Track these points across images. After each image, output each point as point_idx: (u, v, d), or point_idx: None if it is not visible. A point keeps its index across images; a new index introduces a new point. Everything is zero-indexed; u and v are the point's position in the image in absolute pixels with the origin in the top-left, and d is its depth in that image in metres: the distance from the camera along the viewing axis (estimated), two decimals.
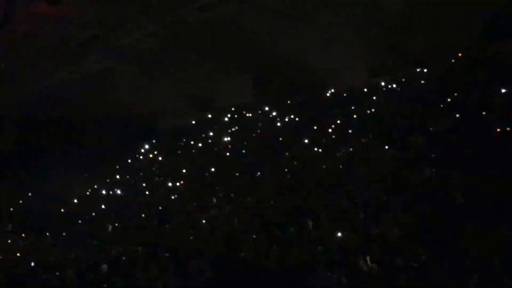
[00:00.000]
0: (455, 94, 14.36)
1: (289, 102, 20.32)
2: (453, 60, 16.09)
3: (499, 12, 16.14)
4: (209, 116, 22.35)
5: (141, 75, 21.54)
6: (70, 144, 23.23)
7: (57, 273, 12.83)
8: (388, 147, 13.58)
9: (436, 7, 16.94)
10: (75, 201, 19.44)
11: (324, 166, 14.31)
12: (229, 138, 19.72)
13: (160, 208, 16.42)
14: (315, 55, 18.68)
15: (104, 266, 12.31)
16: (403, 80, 17.35)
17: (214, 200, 15.22)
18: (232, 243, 11.86)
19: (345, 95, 18.72)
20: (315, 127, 17.34)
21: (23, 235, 17.41)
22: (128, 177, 20.20)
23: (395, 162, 12.56)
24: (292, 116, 19.17)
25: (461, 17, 16.30)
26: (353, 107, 17.24)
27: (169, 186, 17.90)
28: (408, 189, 11.27)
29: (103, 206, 18.16)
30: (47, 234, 17.15)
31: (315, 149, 15.99)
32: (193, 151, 20.43)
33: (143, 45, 19.88)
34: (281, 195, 13.52)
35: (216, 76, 21.41)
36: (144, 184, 19.02)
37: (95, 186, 20.13)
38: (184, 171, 18.68)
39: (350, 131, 15.86)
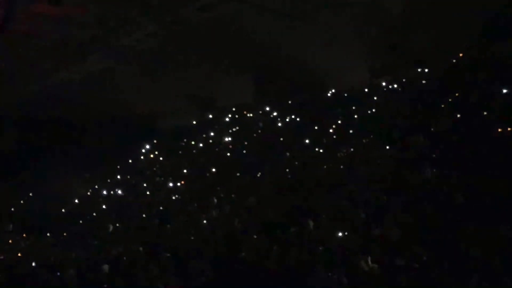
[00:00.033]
0: (456, 94, 14.35)
1: (290, 102, 20.32)
2: (454, 60, 16.06)
3: (499, 12, 16.13)
4: (210, 116, 22.36)
5: (141, 75, 21.52)
6: (71, 144, 23.24)
7: (58, 273, 12.86)
8: (389, 147, 13.59)
9: (436, 7, 16.93)
10: (76, 201, 19.49)
11: (324, 166, 14.32)
12: (229, 138, 19.72)
13: (160, 208, 16.45)
14: (316, 55, 18.66)
15: (106, 266, 12.34)
16: (403, 80, 17.35)
17: (215, 200, 15.24)
18: (233, 243, 11.88)
19: (345, 95, 18.71)
20: (315, 127, 17.35)
21: (24, 235, 17.45)
22: (129, 177, 20.23)
23: (395, 162, 12.57)
24: (293, 116, 19.17)
25: (461, 17, 16.29)
26: (354, 107, 17.24)
27: (170, 186, 17.92)
28: (409, 189, 11.28)
29: (103, 206, 18.20)
30: (48, 234, 17.19)
31: (316, 149, 16.00)
32: (194, 151, 20.45)
33: (144, 45, 19.85)
34: (282, 195, 13.54)
35: (217, 76, 21.40)
36: (145, 184, 19.05)
37: (96, 186, 20.16)
38: (185, 171, 18.70)
39: (351, 131, 15.87)
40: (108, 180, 20.34)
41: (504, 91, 13.16)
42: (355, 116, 16.79)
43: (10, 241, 17.02)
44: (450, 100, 14.37)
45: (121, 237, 14.82)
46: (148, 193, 18.27)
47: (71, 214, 18.40)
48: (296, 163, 15.60)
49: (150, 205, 16.87)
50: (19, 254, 15.22)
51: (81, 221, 17.58)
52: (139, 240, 13.92)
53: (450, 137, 12.57)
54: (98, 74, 21.83)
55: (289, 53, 19.23)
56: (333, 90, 19.41)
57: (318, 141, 16.37)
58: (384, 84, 17.82)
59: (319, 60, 18.61)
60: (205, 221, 13.91)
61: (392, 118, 15.01)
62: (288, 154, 16.56)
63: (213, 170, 17.83)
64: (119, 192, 18.89)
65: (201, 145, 20.48)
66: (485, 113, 12.81)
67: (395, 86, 17.34)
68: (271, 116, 20.09)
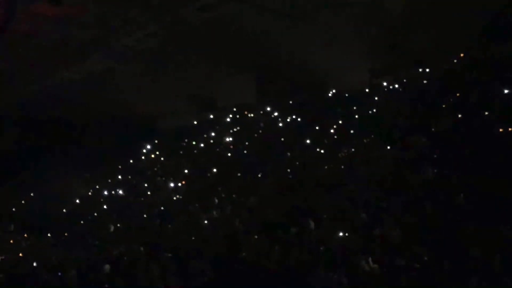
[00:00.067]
0: (457, 95, 14.36)
1: (290, 102, 20.32)
2: (455, 61, 16.07)
3: (499, 12, 16.14)
4: (211, 116, 22.35)
5: (142, 75, 21.52)
6: (71, 145, 23.25)
7: (59, 273, 12.89)
8: (390, 147, 13.61)
9: (437, 7, 16.94)
10: (77, 201, 19.49)
11: (325, 167, 14.34)
12: (230, 139, 19.72)
13: (161, 208, 16.47)
14: (316, 55, 18.66)
15: (107, 266, 12.36)
16: (404, 80, 17.35)
17: (216, 200, 15.25)
18: (234, 243, 11.90)
19: (346, 95, 18.72)
20: (316, 128, 17.36)
21: (25, 235, 17.46)
22: (129, 177, 20.24)
23: (396, 162, 12.58)
24: (293, 117, 19.18)
25: (461, 17, 16.31)
26: (354, 107, 17.25)
27: (171, 186, 17.93)
28: (409, 189, 11.30)
29: (104, 206, 18.22)
30: (49, 234, 17.21)
31: (317, 149, 16.01)
32: (195, 151, 20.45)
33: (144, 45, 19.86)
34: (283, 195, 13.57)
35: (217, 76, 21.41)
36: (145, 184, 19.05)
37: (97, 187, 20.17)
38: (185, 171, 18.71)
39: (351, 131, 15.88)
40: (109, 180, 20.35)
41: (505, 91, 13.18)
42: (356, 116, 16.80)
43: (11, 241, 17.03)
44: (450, 100, 14.39)
45: (122, 237, 14.84)
46: (149, 193, 18.29)
47: (72, 214, 18.42)
48: (297, 163, 15.62)
49: (151, 205, 16.90)
50: (20, 254, 15.24)
51: (82, 221, 17.60)
52: (140, 240, 13.94)
53: (450, 137, 12.59)
54: (99, 74, 21.83)
55: (290, 53, 19.25)
56: (333, 90, 19.41)
57: (319, 141, 16.39)
58: (385, 84, 17.83)
59: (320, 60, 18.62)
60: (206, 221, 13.92)
61: (393, 118, 15.04)
62: (289, 154, 16.58)
63: (214, 170, 17.84)
64: (120, 192, 18.91)
65: (202, 145, 20.48)
66: (486, 113, 12.82)
67: (396, 86, 17.34)
68: (272, 116, 20.08)
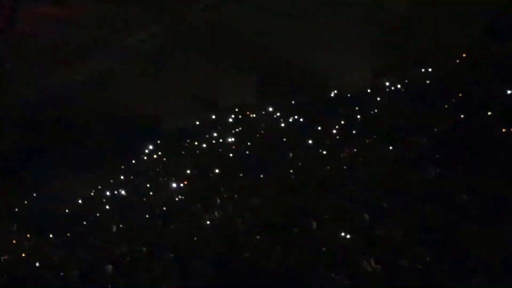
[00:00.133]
0: (459, 95, 14.38)
1: (292, 102, 20.32)
2: (457, 61, 16.08)
3: (500, 12, 16.15)
4: (213, 116, 22.34)
5: (143, 75, 21.53)
6: (73, 145, 23.19)
7: (61, 273, 12.91)
8: (392, 148, 13.61)
9: (438, 7, 16.96)
10: (79, 201, 19.47)
11: (327, 167, 14.35)
12: (232, 139, 19.72)
13: (163, 208, 16.47)
14: (317, 55, 18.68)
15: (109, 267, 12.38)
16: (406, 81, 17.36)
17: (218, 200, 15.27)
18: (235, 243, 11.92)
19: (348, 95, 18.71)
20: (318, 128, 17.36)
21: (27, 235, 17.45)
22: (132, 177, 20.22)
23: (398, 163, 12.60)
24: (295, 117, 19.17)
25: (462, 17, 16.33)
26: (356, 108, 17.25)
27: (173, 186, 17.93)
28: (411, 189, 11.32)
29: (107, 207, 18.21)
30: (51, 234, 17.18)
31: (319, 149, 16.02)
32: (197, 152, 20.42)
33: (145, 46, 19.89)
34: (285, 196, 13.58)
35: (219, 77, 21.40)
36: (147, 185, 19.04)
37: (99, 187, 20.15)
38: (188, 171, 18.69)
39: (353, 131, 15.88)
40: (111, 181, 20.32)
41: (506, 91, 13.19)
42: (358, 117, 16.80)
43: (14, 241, 17.03)
44: (452, 100, 14.40)
45: (124, 238, 14.84)
46: (151, 193, 18.29)
47: (74, 215, 18.38)
48: (299, 163, 15.62)
49: (153, 205, 16.89)
50: (23, 255, 15.25)
51: (84, 222, 17.58)
52: (142, 240, 13.95)
53: (452, 137, 12.61)
54: (100, 74, 21.83)
55: (290, 54, 19.26)
56: (335, 91, 19.41)
57: (321, 141, 16.39)
58: (387, 84, 17.83)
59: (321, 61, 18.63)
60: (208, 222, 13.94)
61: (395, 118, 15.05)
62: (291, 154, 16.57)
63: (216, 170, 17.84)
64: (122, 192, 18.90)
65: (204, 145, 20.46)
66: (489, 113, 12.84)
67: (398, 86, 17.35)
68: (274, 116, 20.08)
